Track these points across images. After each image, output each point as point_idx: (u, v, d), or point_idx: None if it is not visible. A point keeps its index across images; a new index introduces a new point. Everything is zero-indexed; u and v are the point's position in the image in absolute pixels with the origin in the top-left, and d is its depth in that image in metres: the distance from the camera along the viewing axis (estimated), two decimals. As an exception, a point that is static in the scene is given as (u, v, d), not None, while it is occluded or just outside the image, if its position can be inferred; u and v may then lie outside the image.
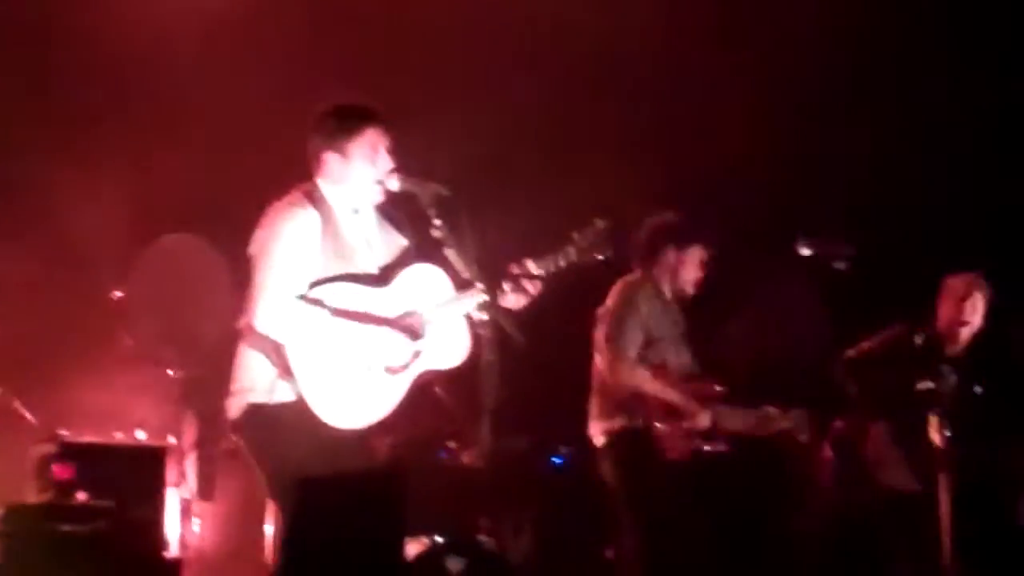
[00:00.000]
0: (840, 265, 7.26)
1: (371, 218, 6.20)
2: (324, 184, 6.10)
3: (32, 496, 8.21)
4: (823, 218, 8.51)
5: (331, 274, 5.94)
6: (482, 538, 5.88)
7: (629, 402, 7.35)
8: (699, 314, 7.77)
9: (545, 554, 8.49)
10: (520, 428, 8.16)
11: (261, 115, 9.34)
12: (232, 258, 8.78)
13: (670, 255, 7.63)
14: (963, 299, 8.10)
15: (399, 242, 6.26)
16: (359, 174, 6.06)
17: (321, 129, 6.13)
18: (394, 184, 6.04)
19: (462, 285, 6.03)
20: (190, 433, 8.94)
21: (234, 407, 6.01)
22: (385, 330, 5.93)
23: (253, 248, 6.00)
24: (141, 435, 8.91)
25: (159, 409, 9.06)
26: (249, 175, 9.03)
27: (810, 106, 9.37)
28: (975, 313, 8.12)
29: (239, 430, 6.03)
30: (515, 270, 6.05)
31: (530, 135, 9.61)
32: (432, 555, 5.94)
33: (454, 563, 5.92)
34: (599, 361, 7.48)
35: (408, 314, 6.01)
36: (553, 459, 9.07)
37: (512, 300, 6.04)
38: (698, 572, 7.28)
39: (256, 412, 5.90)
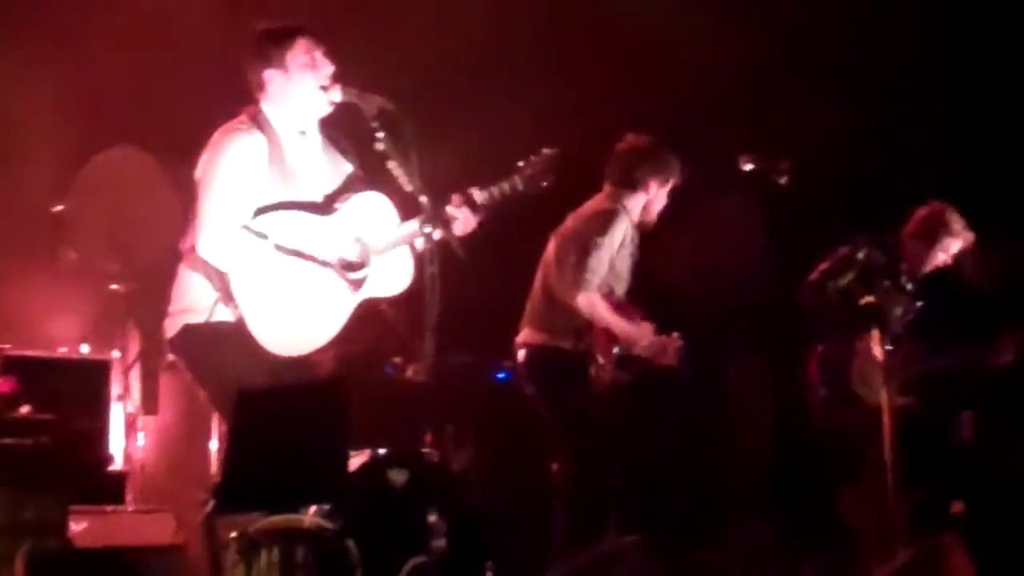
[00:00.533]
0: (781, 180, 7.28)
1: (316, 141, 6.20)
2: (268, 107, 6.09)
3: (-27, 410, 8.22)
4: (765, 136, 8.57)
5: (276, 199, 5.96)
6: (425, 451, 5.91)
7: (576, 325, 7.38)
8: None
9: (488, 467, 8.55)
10: (464, 343, 8.16)
11: (208, 25, 9.27)
12: (175, 171, 8.78)
13: (651, 185, 7.61)
14: (933, 238, 8.14)
15: (345, 168, 6.27)
16: (302, 85, 6.04)
17: (257, 50, 6.12)
18: (336, 95, 6.04)
19: (406, 198, 6.03)
20: (133, 347, 8.93)
21: (172, 327, 6.05)
22: (326, 266, 5.97)
23: (198, 172, 6.00)
24: (85, 349, 8.89)
25: (102, 323, 9.04)
26: (195, 87, 9.01)
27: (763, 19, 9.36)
28: (944, 252, 8.16)
29: (178, 349, 6.08)
30: (458, 199, 6.06)
31: (476, 59, 9.56)
32: (375, 467, 5.94)
33: (397, 475, 5.93)
34: (553, 276, 7.49)
35: (351, 245, 6.04)
36: (497, 374, 9.10)
37: (457, 226, 6.05)
38: (630, 486, 7.37)
39: (194, 332, 5.95)
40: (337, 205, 6.10)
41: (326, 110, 6.12)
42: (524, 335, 7.59)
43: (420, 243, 5.94)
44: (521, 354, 7.59)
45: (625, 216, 7.54)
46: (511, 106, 9.10)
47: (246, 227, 5.83)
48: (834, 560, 7.96)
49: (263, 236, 5.83)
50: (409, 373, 8.38)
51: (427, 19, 9.53)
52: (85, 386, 8.62)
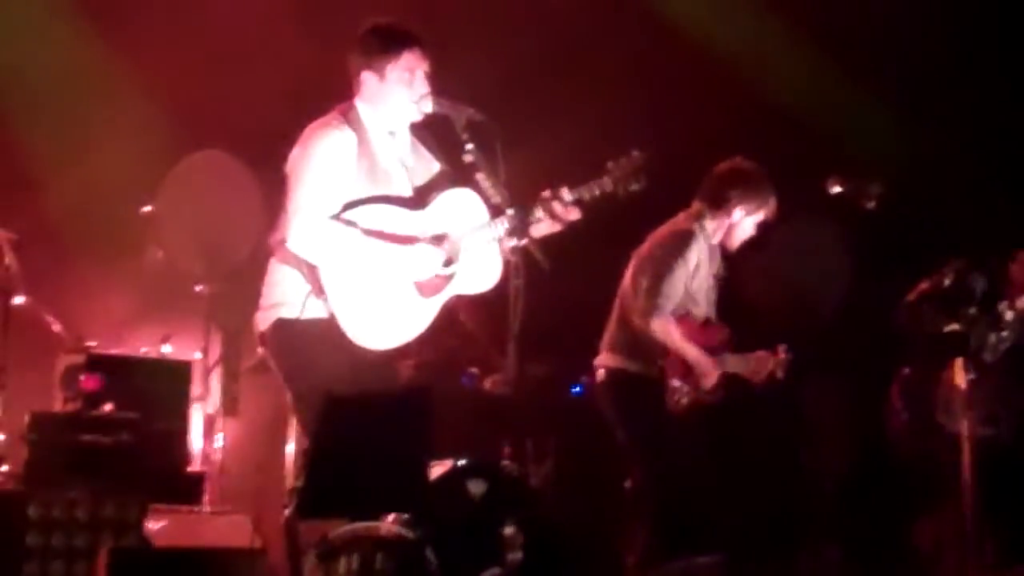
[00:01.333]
0: (870, 204, 7.24)
1: (406, 141, 6.22)
2: (361, 105, 6.12)
3: (59, 405, 8.29)
4: (855, 160, 8.53)
5: (365, 195, 5.97)
6: (504, 463, 5.92)
7: (650, 350, 7.36)
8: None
9: (565, 481, 8.55)
10: (542, 355, 8.17)
11: (297, 34, 9.35)
12: (262, 175, 8.85)
13: (735, 211, 7.53)
14: None
15: (433, 166, 6.29)
16: (395, 96, 6.07)
17: (361, 49, 6.15)
18: (428, 106, 6.06)
19: (494, 210, 6.05)
20: (215, 348, 9.00)
21: (264, 321, 6.07)
22: (417, 250, 5.96)
23: (288, 166, 6.04)
24: (167, 349, 8.96)
25: (186, 324, 9.11)
26: (282, 93, 9.07)
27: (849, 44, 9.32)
28: None
29: (267, 343, 6.09)
30: (548, 196, 6.05)
31: (568, 64, 9.58)
32: (454, 477, 5.96)
33: (475, 486, 5.94)
34: (629, 299, 7.47)
35: (441, 237, 6.04)
36: (572, 387, 9.10)
37: (544, 227, 6.06)
38: (706, 507, 7.33)
39: (285, 326, 5.96)
40: (427, 200, 6.12)
41: (416, 118, 6.15)
42: (601, 356, 7.58)
43: (508, 242, 5.94)
44: (598, 375, 7.59)
45: (701, 237, 7.49)
46: (597, 116, 9.10)
47: (336, 217, 5.86)
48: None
49: (353, 224, 5.86)
50: (487, 384, 8.40)
51: (512, 23, 9.55)
52: (167, 386, 8.68)
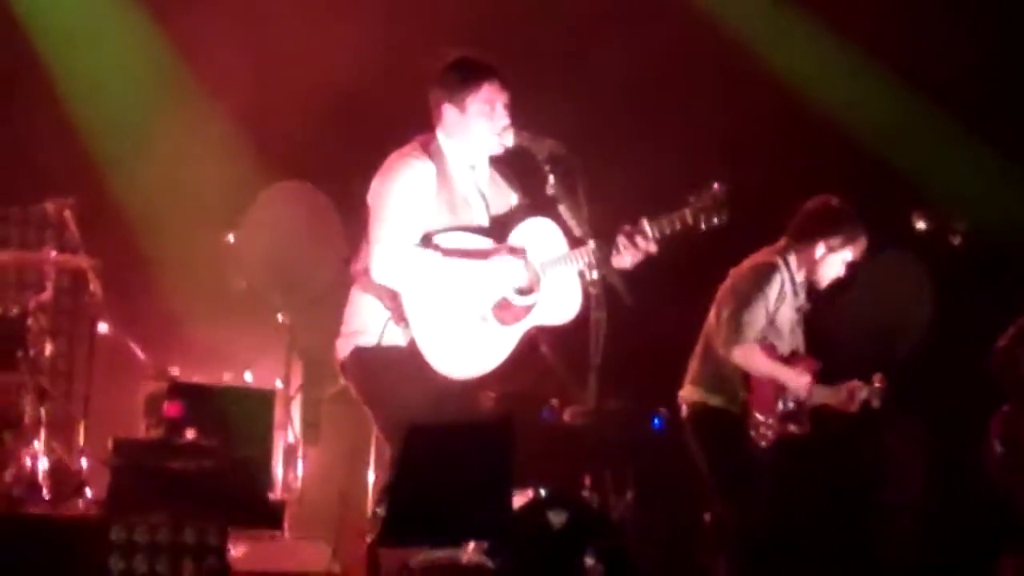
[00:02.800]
0: (955, 240, 7.20)
1: (485, 174, 6.25)
2: (442, 136, 6.15)
3: (142, 432, 8.37)
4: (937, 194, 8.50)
5: (444, 226, 6.00)
6: (585, 494, 5.93)
7: (732, 384, 7.34)
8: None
9: (645, 513, 8.53)
10: (622, 388, 8.17)
11: (378, 66, 9.41)
12: (343, 206, 8.93)
13: (818, 247, 7.45)
14: None
15: (511, 199, 6.30)
16: (475, 128, 6.09)
17: (442, 82, 6.17)
18: (509, 139, 6.07)
19: (575, 242, 6.06)
20: (296, 377, 9.05)
21: (344, 348, 6.09)
22: (498, 262, 5.96)
23: (370, 196, 6.07)
24: (249, 377, 9.03)
25: (267, 353, 9.17)
26: (363, 126, 9.13)
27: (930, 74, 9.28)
28: None
29: (348, 371, 6.11)
30: (629, 229, 6.06)
31: (649, 96, 9.60)
32: (535, 507, 5.97)
33: (557, 516, 5.95)
34: (713, 332, 7.45)
35: (524, 268, 6.05)
36: (653, 420, 9.09)
37: (625, 260, 6.05)
38: (789, 543, 7.29)
39: (365, 354, 5.98)
40: (507, 230, 6.12)
41: (496, 151, 6.18)
42: (684, 390, 7.55)
43: (588, 273, 5.94)
44: (682, 409, 7.57)
45: (784, 271, 7.45)
46: (678, 149, 9.09)
47: (418, 245, 5.90)
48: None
49: (435, 248, 5.89)
50: (567, 416, 8.41)
51: (592, 55, 9.58)
52: (249, 414, 8.71)
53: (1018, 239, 8.68)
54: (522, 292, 6.04)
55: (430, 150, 6.10)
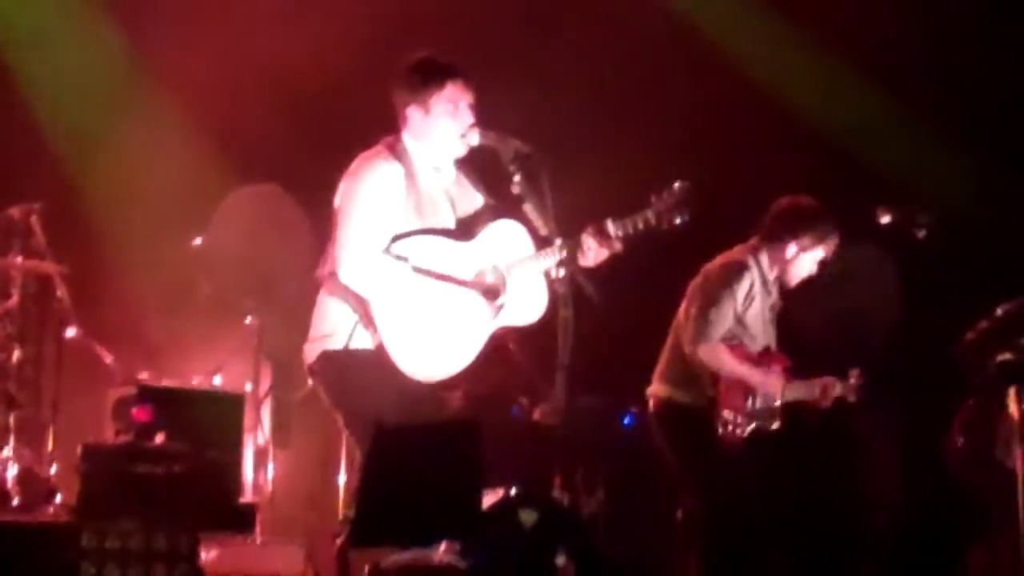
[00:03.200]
0: (920, 234, 7.23)
1: (451, 176, 6.24)
2: (408, 138, 6.15)
3: (111, 437, 8.34)
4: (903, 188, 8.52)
5: (412, 228, 6.00)
6: (555, 493, 5.93)
7: (700, 380, 7.35)
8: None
9: (616, 512, 8.55)
10: (592, 386, 8.18)
11: (343, 67, 9.40)
12: (311, 207, 8.92)
13: (789, 247, 7.47)
14: None
15: (477, 199, 6.30)
16: (440, 129, 6.09)
17: (404, 83, 6.16)
18: (474, 139, 6.07)
19: (541, 243, 6.06)
20: (265, 380, 9.04)
21: (311, 352, 6.09)
22: (465, 289, 6.01)
23: (337, 199, 6.07)
24: (218, 381, 9.01)
25: (236, 356, 9.16)
26: (329, 127, 9.12)
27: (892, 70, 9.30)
28: None
29: (316, 375, 6.11)
30: (592, 230, 6.06)
31: (610, 98, 9.61)
32: (505, 506, 5.96)
33: (528, 516, 5.95)
34: (681, 328, 7.46)
35: (488, 271, 6.08)
36: (623, 418, 9.10)
37: (590, 258, 6.05)
38: (761, 537, 7.31)
39: (333, 357, 5.98)
40: (474, 232, 6.14)
41: (462, 152, 6.18)
42: (652, 386, 7.57)
43: (555, 273, 5.96)
44: (649, 404, 7.59)
45: (754, 270, 7.45)
46: (645, 147, 9.10)
47: (386, 251, 5.89)
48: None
49: (403, 259, 5.88)
50: (536, 415, 8.40)
51: (558, 55, 9.58)
52: (218, 417, 8.72)
53: (982, 232, 8.71)
54: (490, 293, 6.06)
55: (396, 152, 6.10)
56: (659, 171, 6.38)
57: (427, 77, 6.12)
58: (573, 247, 5.96)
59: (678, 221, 6.10)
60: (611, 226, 6.04)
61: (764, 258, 7.47)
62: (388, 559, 5.61)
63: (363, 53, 9.19)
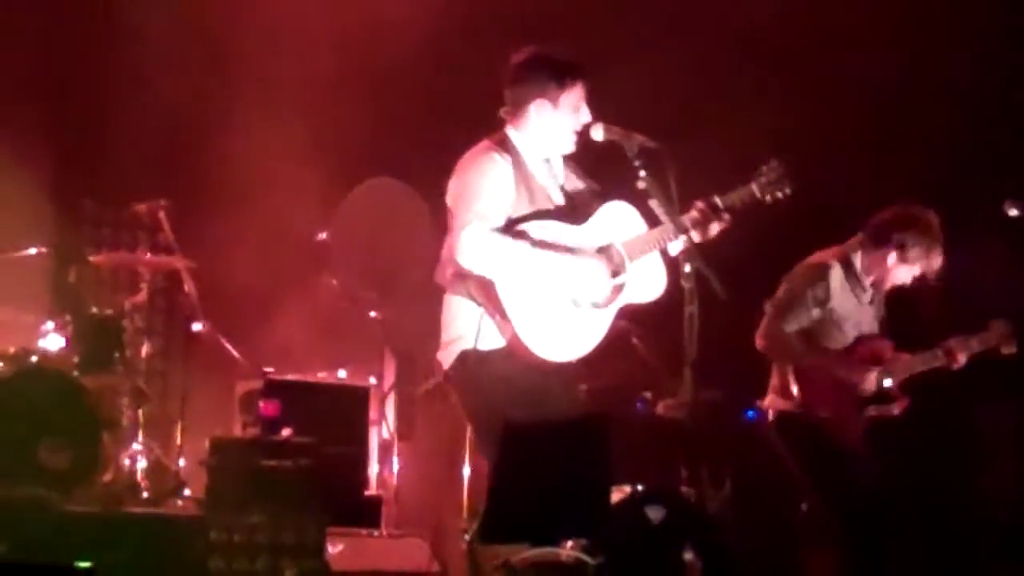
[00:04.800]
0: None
1: (559, 166, 6.24)
2: (515, 133, 6.13)
3: (238, 430, 8.43)
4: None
5: (526, 214, 5.98)
6: (682, 489, 5.92)
7: (785, 383, 7.30)
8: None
9: (742, 506, 8.51)
10: (715, 380, 8.15)
11: (455, 67, 9.44)
12: (433, 202, 8.95)
13: (891, 255, 7.34)
14: None
15: (584, 186, 6.28)
16: (562, 124, 6.08)
17: (532, 77, 6.13)
18: (599, 134, 6.03)
19: (651, 221, 6.06)
20: (390, 373, 9.08)
21: (447, 358, 6.04)
22: (587, 263, 5.96)
23: (450, 196, 6.04)
24: (343, 375, 9.06)
25: (361, 350, 9.20)
26: (442, 119, 9.17)
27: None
28: None
29: (454, 380, 6.05)
30: (700, 205, 6.04)
31: (721, 74, 9.55)
32: (633, 503, 5.98)
33: (655, 512, 5.96)
34: None
35: (606, 248, 6.04)
36: (746, 413, 9.05)
37: (697, 235, 6.03)
38: (886, 531, 7.24)
39: (467, 360, 5.94)
40: (588, 214, 6.10)
41: (572, 148, 6.17)
42: (767, 398, 7.54)
43: (672, 250, 5.97)
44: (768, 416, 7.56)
45: (837, 271, 7.34)
46: (750, 131, 9.04)
47: (504, 230, 5.88)
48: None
49: (521, 235, 5.86)
50: (660, 409, 8.39)
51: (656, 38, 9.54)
52: (344, 411, 8.79)
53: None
54: (611, 273, 6.04)
55: (506, 146, 6.08)
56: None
57: (561, 73, 6.08)
58: (685, 223, 5.94)
59: (779, 195, 6.17)
60: (718, 200, 6.05)
61: (858, 259, 7.36)
62: (517, 555, 5.61)
63: (480, 50, 9.22)
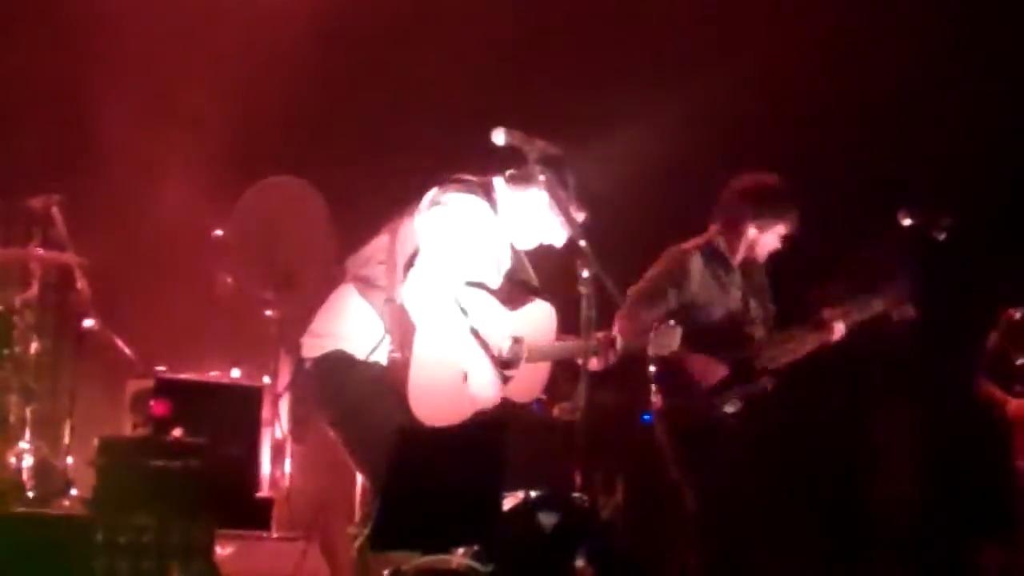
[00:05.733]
0: (939, 235, 7.23)
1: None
2: (500, 185, 6.19)
3: (128, 430, 8.32)
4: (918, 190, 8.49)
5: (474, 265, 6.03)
6: (575, 495, 5.90)
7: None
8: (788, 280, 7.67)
9: (635, 511, 8.51)
10: (612, 384, 8.15)
11: (366, 62, 9.39)
12: (331, 201, 8.89)
13: (748, 231, 7.36)
14: None
15: (530, 274, 6.41)
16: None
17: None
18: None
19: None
20: (284, 374, 9.00)
21: (316, 348, 6.04)
22: (489, 362, 6.02)
23: (429, 226, 5.96)
24: (236, 374, 8.98)
25: (256, 349, 9.12)
26: (351, 119, 9.10)
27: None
28: None
29: (317, 373, 6.04)
30: (605, 338, 6.30)
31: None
32: (525, 509, 5.94)
33: (547, 518, 5.92)
34: None
35: (513, 343, 6.14)
36: (644, 416, 9.05)
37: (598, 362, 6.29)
38: (754, 534, 7.25)
39: (347, 362, 5.93)
40: (521, 302, 6.21)
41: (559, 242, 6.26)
42: None
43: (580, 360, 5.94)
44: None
45: (695, 259, 7.32)
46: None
47: (456, 297, 5.88)
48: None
49: (465, 314, 5.89)
50: (555, 412, 8.37)
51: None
52: (236, 411, 8.71)
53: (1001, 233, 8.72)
54: (504, 365, 6.12)
55: (490, 194, 6.14)
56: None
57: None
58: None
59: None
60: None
61: (722, 243, 7.39)
62: (408, 562, 5.57)
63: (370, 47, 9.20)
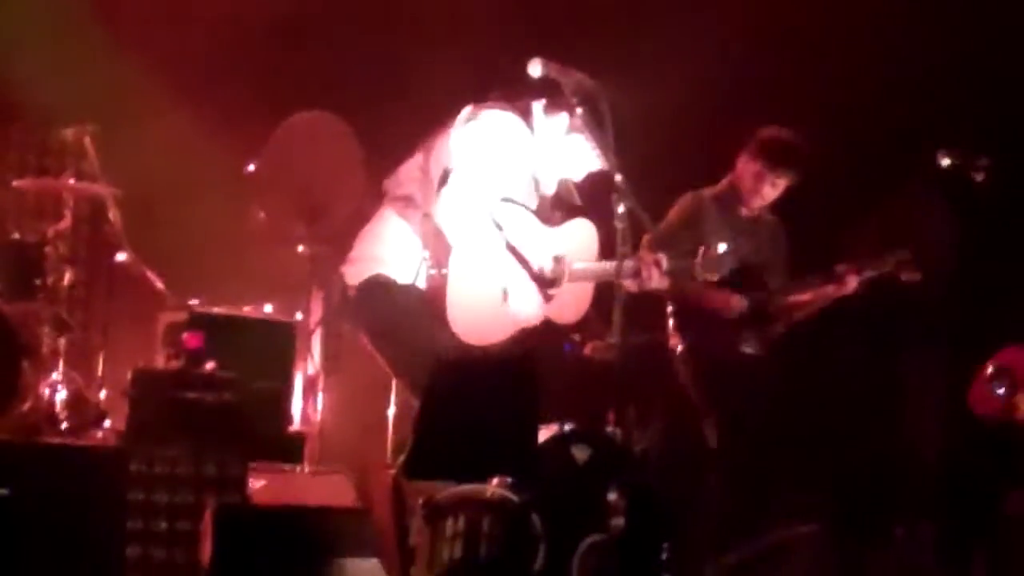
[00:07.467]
0: (978, 176, 7.21)
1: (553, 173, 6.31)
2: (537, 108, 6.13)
3: (161, 362, 8.33)
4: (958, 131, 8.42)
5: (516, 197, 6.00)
6: (608, 429, 5.90)
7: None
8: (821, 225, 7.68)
9: (668, 448, 8.50)
10: (645, 322, 8.15)
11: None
12: (365, 137, 8.86)
13: (745, 173, 7.64)
14: None
15: (570, 199, 6.38)
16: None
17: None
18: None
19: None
20: (317, 309, 9.00)
21: (358, 274, 6.05)
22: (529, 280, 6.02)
23: (457, 145, 5.96)
24: (269, 309, 8.97)
25: (288, 284, 9.11)
26: (385, 57, 9.06)
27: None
28: None
29: (360, 298, 6.05)
30: (652, 259, 6.11)
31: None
32: (559, 442, 5.94)
33: (580, 451, 5.93)
34: None
35: (555, 261, 6.10)
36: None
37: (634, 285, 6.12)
38: (798, 473, 7.27)
39: (388, 287, 5.93)
40: (560, 220, 6.18)
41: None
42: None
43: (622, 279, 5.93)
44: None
45: (708, 201, 7.60)
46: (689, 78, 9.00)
47: (490, 213, 5.86)
48: (1000, 563, 7.85)
49: (500, 229, 5.87)
50: (588, 351, 8.35)
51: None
52: (269, 346, 8.71)
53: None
54: (547, 283, 6.09)
55: (528, 113, 6.11)
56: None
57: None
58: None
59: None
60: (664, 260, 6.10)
61: (736, 191, 7.60)
62: (442, 492, 5.57)
63: None
